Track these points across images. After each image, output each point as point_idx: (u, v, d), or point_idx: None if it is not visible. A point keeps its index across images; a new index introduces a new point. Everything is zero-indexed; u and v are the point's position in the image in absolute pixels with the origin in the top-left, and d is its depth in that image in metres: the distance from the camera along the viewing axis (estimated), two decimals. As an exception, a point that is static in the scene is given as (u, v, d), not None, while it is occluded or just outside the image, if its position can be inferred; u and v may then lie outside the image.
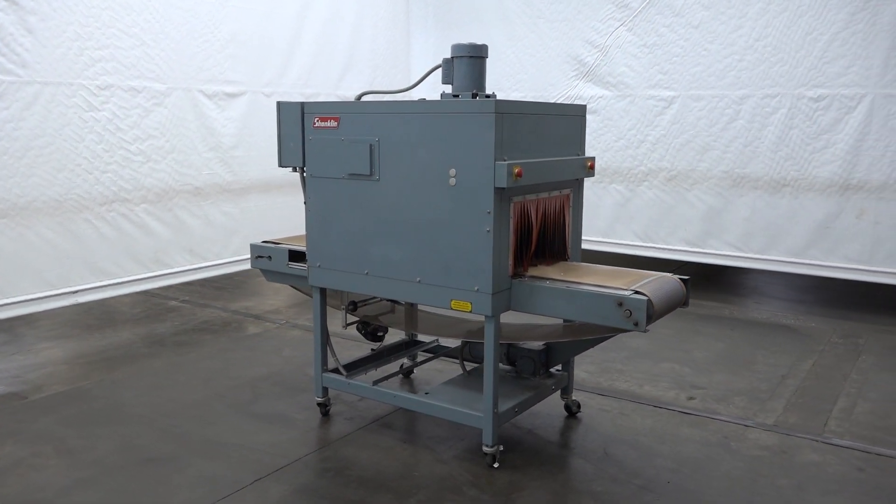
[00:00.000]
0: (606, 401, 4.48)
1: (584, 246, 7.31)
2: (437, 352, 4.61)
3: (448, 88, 3.91)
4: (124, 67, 5.56)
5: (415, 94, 4.34)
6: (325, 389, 4.18)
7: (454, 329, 4.40)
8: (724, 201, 6.91)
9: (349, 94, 7.56)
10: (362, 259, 3.81)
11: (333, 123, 3.81)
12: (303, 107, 3.92)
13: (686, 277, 3.63)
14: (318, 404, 4.20)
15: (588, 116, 7.06)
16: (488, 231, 3.38)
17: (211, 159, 6.30)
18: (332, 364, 4.18)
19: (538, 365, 4.07)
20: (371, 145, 3.68)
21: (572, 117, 3.95)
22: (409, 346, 4.73)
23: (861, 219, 6.31)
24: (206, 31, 6.11)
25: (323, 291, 4.09)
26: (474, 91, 3.78)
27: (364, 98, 4.05)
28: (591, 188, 7.56)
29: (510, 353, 4.15)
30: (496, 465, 3.60)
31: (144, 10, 5.63)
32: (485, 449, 3.59)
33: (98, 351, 5.35)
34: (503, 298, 3.49)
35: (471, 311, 3.50)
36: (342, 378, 4.11)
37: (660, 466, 3.65)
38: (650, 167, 7.25)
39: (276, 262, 4.35)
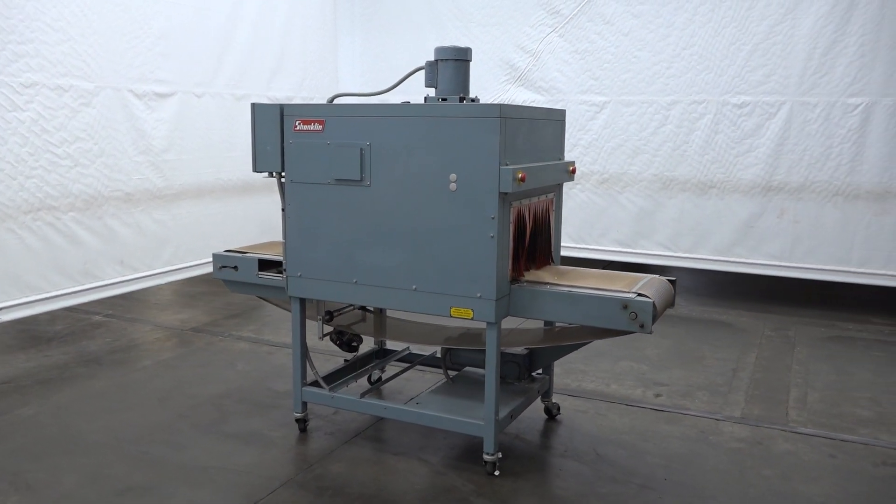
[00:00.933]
0: (579, 402, 4.53)
1: None
2: (411, 360, 4.51)
3: (431, 91, 3.85)
4: (50, 64, 5.12)
5: (392, 97, 4.24)
6: (305, 404, 4.00)
7: (433, 336, 4.32)
8: (655, 203, 7.17)
9: (280, 97, 7.31)
10: (350, 267, 3.67)
11: (318, 127, 3.66)
12: (282, 109, 3.75)
13: (673, 279, 3.73)
14: (297, 420, 4.02)
15: None
16: (492, 237, 3.34)
17: (142, 163, 5.90)
18: (309, 377, 4.01)
19: (523, 370, 4.07)
20: (362, 149, 3.55)
21: (556, 122, 3.98)
22: (379, 355, 4.61)
23: (782, 218, 6.73)
24: (136, 27, 5.72)
25: (302, 302, 3.91)
26: (461, 95, 3.74)
27: (337, 101, 3.92)
28: (524, 191, 7.65)
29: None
30: (497, 472, 3.56)
31: (72, 2, 5.21)
32: (486, 457, 3.55)
33: (29, 374, 4.90)
34: (504, 304, 3.46)
35: (472, 318, 3.44)
36: (324, 392, 3.95)
37: (652, 464, 3.73)
38: (583, 171, 7.41)
39: (243, 272, 4.13)
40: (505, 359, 4.08)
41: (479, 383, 4.08)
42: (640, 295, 3.32)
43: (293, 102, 7.42)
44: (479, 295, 3.40)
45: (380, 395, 4.59)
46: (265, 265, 4.10)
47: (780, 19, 6.50)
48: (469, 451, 3.80)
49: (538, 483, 3.52)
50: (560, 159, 4.05)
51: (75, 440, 3.91)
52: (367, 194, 3.58)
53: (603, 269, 3.84)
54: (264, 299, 4.36)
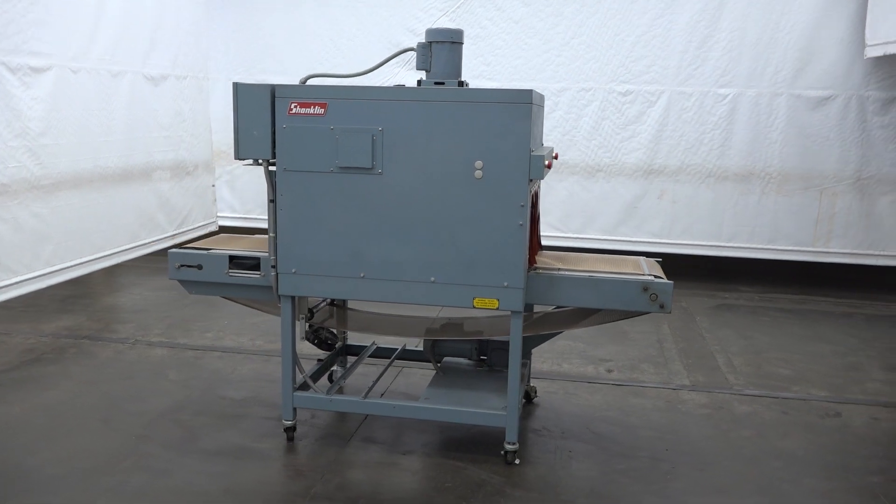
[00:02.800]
0: (546, 383, 4.63)
1: None
2: (385, 355, 4.33)
3: (421, 75, 3.71)
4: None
5: (366, 80, 4.01)
6: (295, 411, 3.70)
7: (412, 328, 4.19)
8: (546, 186, 7.42)
9: (154, 74, 6.61)
10: (355, 261, 3.45)
11: (319, 110, 3.38)
12: (274, 90, 3.40)
13: (660, 259, 3.92)
14: (287, 428, 3.71)
15: None
16: (521, 224, 3.31)
17: (17, 149, 5.06)
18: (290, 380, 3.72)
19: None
20: (374, 135, 3.33)
21: (541, 107, 3.99)
22: (343, 352, 4.38)
23: (662, 199, 7.28)
24: (7, -12, 4.87)
25: (293, 301, 3.60)
26: (460, 79, 3.64)
27: (311, 81, 3.65)
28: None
29: (479, 346, 4.09)
30: (517, 461, 3.55)
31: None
32: (507, 447, 3.52)
33: (-87, 404, 4.06)
34: (525, 292, 3.43)
35: (497, 308, 3.39)
36: (318, 395, 3.68)
37: (646, 437, 3.91)
38: (475, 155, 7.49)
39: (209, 271, 3.73)
40: (493, 346, 4.06)
41: (465, 372, 4.05)
42: (657, 277, 3.45)
43: (171, 79, 6.81)
44: (505, 284, 3.34)
45: (342, 392, 4.37)
46: (237, 262, 3.72)
47: (659, 14, 6.98)
48: (468, 443, 3.75)
49: (558, 467, 3.55)
50: (542, 145, 4.08)
51: (28, 477, 3.31)
52: (379, 183, 3.37)
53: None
54: (231, 299, 3.96)
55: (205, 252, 3.75)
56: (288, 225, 3.48)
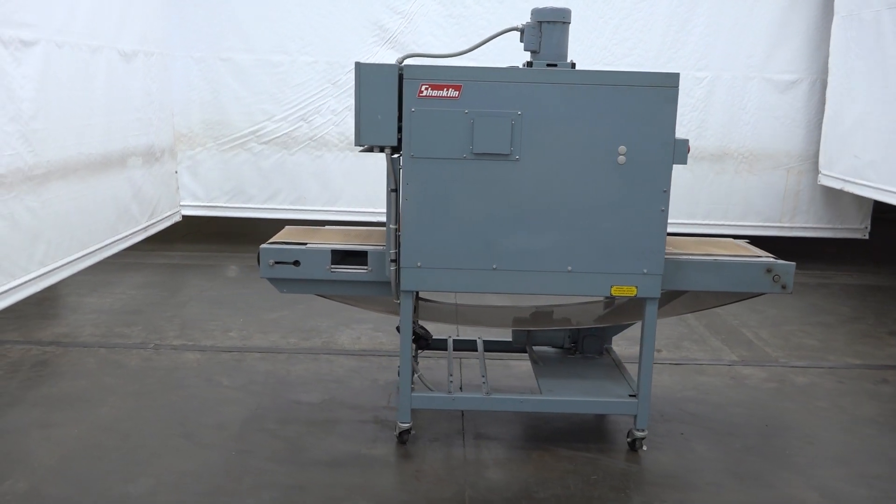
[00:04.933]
0: (608, 366, 4.63)
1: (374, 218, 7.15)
2: (465, 348, 4.16)
3: (526, 56, 3.58)
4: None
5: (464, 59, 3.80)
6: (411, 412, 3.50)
7: (500, 319, 4.08)
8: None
9: (127, 50, 5.98)
10: (487, 253, 3.28)
11: (453, 93, 3.16)
12: (402, 70, 3.15)
13: (748, 239, 4.02)
14: (402, 432, 3.49)
15: None
16: (663, 210, 3.27)
17: (11, 134, 4.43)
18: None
19: (602, 343, 4.06)
20: (513, 120, 3.17)
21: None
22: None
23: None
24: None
25: (415, 297, 3.38)
26: (572, 61, 3.53)
27: (408, 61, 3.43)
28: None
29: (571, 335, 4.04)
30: (645, 447, 3.53)
31: None
32: (637, 434, 3.49)
33: (-52, 434, 3.48)
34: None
35: (635, 296, 3.34)
36: (440, 395, 3.49)
37: (741, 414, 4.00)
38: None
39: (308, 267, 3.45)
40: (586, 333, 4.02)
41: (561, 361, 3.99)
42: (776, 259, 3.52)
43: (140, 55, 6.19)
44: (644, 271, 3.30)
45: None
46: (341, 256, 3.46)
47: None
48: (575, 433, 3.72)
49: (683, 450, 3.57)
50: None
51: (146, 509, 2.93)
52: (515, 170, 3.22)
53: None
54: (326, 297, 3.68)
55: (303, 247, 3.45)
56: (414, 216, 3.25)
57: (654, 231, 3.26)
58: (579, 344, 4.04)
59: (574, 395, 3.52)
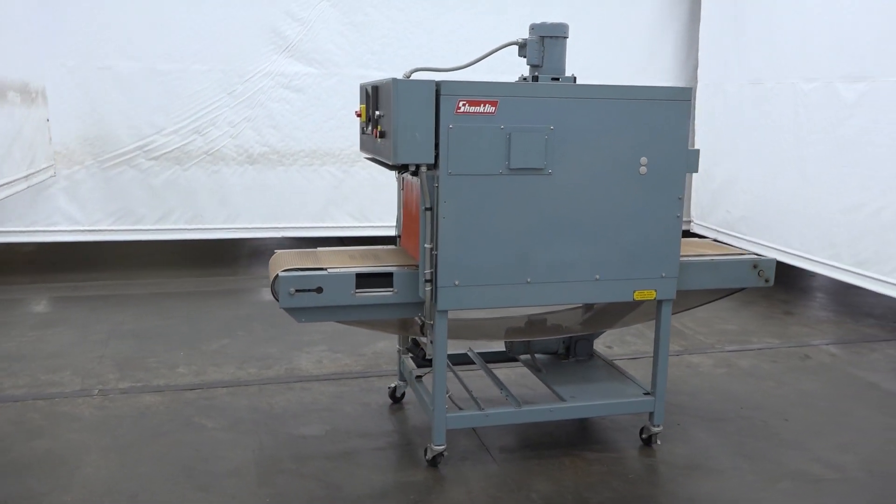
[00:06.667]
0: (576, 367, 4.81)
1: (297, 234, 7.01)
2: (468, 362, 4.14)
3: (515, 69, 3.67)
4: None
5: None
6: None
7: (491, 331, 4.11)
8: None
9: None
10: (521, 267, 3.30)
11: (490, 108, 3.15)
12: (439, 87, 3.09)
13: (716, 239, 4.35)
14: (436, 455, 3.42)
15: (293, 95, 6.86)
16: (678, 216, 3.46)
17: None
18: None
19: (591, 346, 4.22)
20: (546, 135, 3.21)
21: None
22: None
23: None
24: None
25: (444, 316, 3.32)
26: (573, 75, 3.64)
27: (415, 75, 3.40)
28: (300, 171, 7.15)
29: (564, 340, 4.16)
30: (658, 442, 3.73)
31: None
32: (654, 429, 3.68)
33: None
34: (674, 281, 3.60)
35: (654, 299, 3.51)
36: (473, 413, 3.46)
37: (712, 399, 4.33)
38: (363, 147, 7.25)
39: (331, 293, 3.28)
40: (578, 339, 4.16)
41: (559, 366, 4.10)
42: (760, 256, 3.86)
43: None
44: (663, 275, 3.48)
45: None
46: (365, 279, 3.32)
47: (532, 9, 7.39)
48: (588, 435, 3.85)
49: (690, 440, 3.80)
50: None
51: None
52: (548, 184, 3.27)
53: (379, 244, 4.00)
54: (344, 323, 3.50)
55: (324, 272, 3.27)
56: (451, 234, 3.19)
57: (671, 236, 3.45)
58: (571, 349, 4.17)
59: (596, 399, 3.63)
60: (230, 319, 5.63)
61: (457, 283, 3.24)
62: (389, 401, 4.17)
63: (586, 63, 6.97)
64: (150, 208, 6.86)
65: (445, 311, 3.28)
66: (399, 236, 3.96)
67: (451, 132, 3.11)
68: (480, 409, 3.47)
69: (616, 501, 3.21)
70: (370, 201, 7.34)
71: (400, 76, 3.15)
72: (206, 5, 6.67)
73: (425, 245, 3.21)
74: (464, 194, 3.18)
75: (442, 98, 3.09)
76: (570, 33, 3.60)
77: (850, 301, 6.56)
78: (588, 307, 4.21)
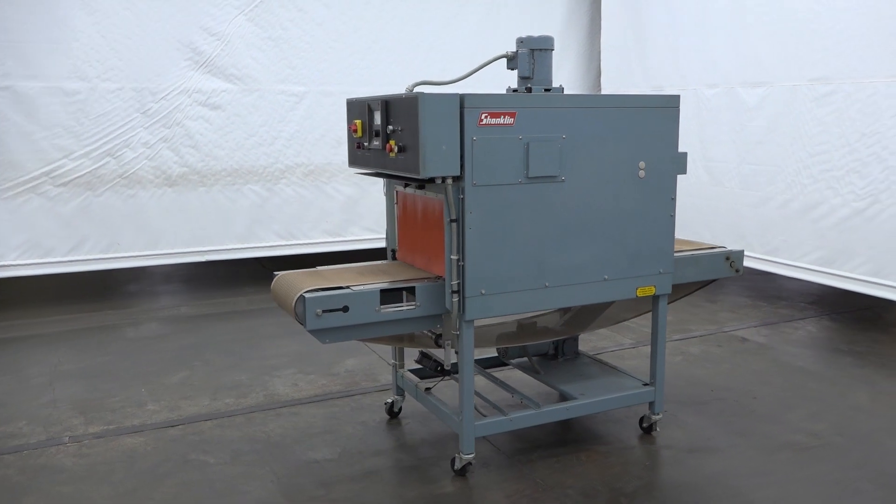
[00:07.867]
0: (548, 367, 4.97)
1: (222, 256, 6.82)
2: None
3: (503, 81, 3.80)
4: None
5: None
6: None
7: (482, 338, 4.16)
8: (361, 190, 7.43)
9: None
10: (540, 272, 3.41)
11: (509, 120, 3.23)
12: (463, 100, 3.13)
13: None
14: (464, 465, 3.43)
15: (212, 112, 6.74)
16: (671, 216, 3.69)
17: None
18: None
19: (577, 345, 4.40)
20: (560, 144, 3.34)
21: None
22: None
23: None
24: None
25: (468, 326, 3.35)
26: (561, 85, 3.80)
27: (417, 88, 3.45)
28: (222, 192, 6.88)
29: (556, 343, 4.31)
30: (658, 429, 3.94)
31: None
32: (654, 418, 3.89)
33: None
34: (670, 276, 3.82)
35: (654, 294, 3.72)
36: (499, 418, 3.50)
37: (680, 385, 4.62)
38: (287, 164, 7.10)
39: (357, 311, 3.24)
40: (565, 340, 4.31)
41: (553, 366, 4.24)
42: (730, 249, 4.18)
43: None
44: (660, 271, 3.70)
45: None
46: (389, 295, 3.30)
47: (447, 21, 7.54)
48: (591, 430, 4.00)
49: (683, 425, 4.04)
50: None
51: None
52: (562, 190, 3.39)
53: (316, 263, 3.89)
54: (366, 341, 3.43)
55: (349, 291, 3.21)
56: (477, 244, 3.24)
57: (666, 234, 3.68)
58: (559, 349, 4.31)
59: (602, 394, 3.79)
60: (177, 350, 5.33)
61: (483, 291, 3.28)
62: (386, 417, 4.13)
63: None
64: (59, 239, 6.35)
65: (472, 321, 3.31)
66: (394, 250, 3.93)
67: (475, 144, 3.16)
68: (504, 414, 3.53)
69: (647, 488, 3.37)
70: (297, 219, 7.18)
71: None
72: (115, 19, 6.28)
73: (451, 256, 3.23)
74: (488, 204, 3.23)
75: (466, 111, 3.13)
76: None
77: (761, 287, 7.17)
78: (565, 309, 4.37)
